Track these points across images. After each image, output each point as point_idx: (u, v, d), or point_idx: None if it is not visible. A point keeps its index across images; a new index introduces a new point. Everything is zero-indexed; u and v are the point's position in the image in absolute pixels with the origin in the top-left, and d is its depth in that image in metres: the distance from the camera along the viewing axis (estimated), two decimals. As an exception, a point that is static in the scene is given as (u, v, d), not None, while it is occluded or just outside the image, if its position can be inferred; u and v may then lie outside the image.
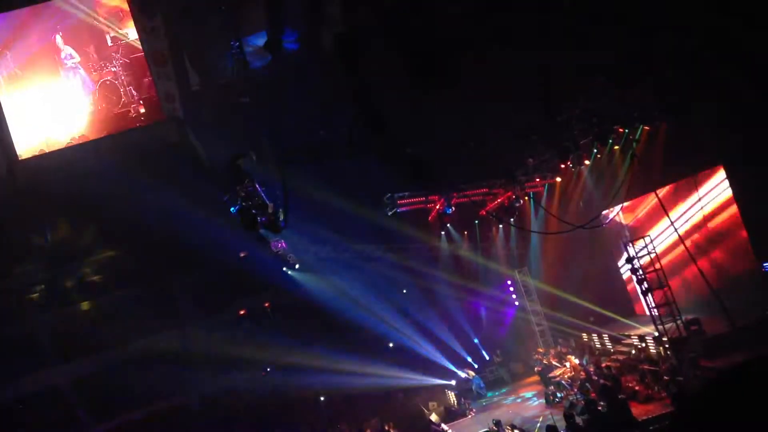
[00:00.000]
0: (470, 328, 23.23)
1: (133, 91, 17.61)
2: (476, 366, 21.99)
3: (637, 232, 18.40)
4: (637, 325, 18.63)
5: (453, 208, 17.58)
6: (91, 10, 17.35)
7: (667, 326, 15.50)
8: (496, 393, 21.41)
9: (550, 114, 14.70)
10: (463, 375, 21.70)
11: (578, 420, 13.13)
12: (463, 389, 21.36)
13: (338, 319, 21.39)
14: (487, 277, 23.57)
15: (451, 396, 20.77)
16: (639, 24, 13.99)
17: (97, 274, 20.43)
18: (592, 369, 16.70)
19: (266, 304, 22.21)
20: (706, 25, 13.40)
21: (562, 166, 18.43)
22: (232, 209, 14.31)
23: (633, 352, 17.19)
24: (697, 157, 15.75)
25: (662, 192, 17.02)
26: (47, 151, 17.25)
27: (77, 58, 17.49)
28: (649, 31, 14.00)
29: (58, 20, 17.25)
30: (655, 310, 15.82)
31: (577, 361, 17.66)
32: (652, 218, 18.31)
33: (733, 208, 15.86)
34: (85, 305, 19.86)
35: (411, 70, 15.79)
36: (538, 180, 19.15)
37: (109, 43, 17.66)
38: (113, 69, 17.58)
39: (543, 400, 17.99)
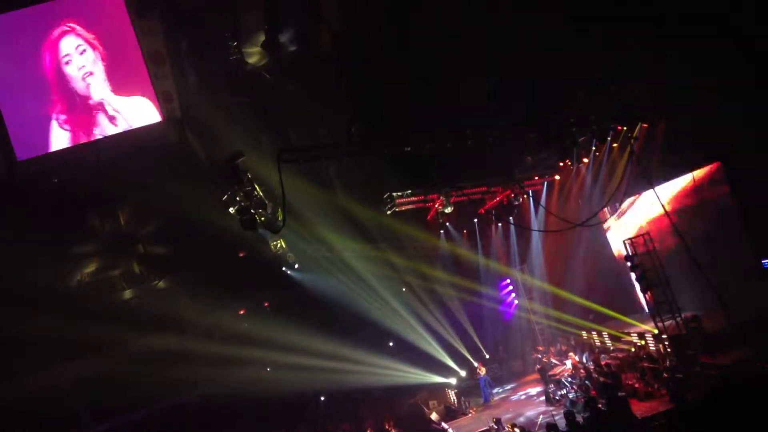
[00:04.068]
0: (470, 326, 23.25)
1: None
2: (474, 364, 21.93)
3: (636, 230, 18.41)
4: (637, 323, 18.64)
5: (452, 207, 17.58)
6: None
7: (666, 323, 15.52)
8: (498, 390, 21.43)
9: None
10: (467, 372, 21.75)
11: (578, 418, 13.15)
12: (464, 388, 21.38)
13: (338, 318, 21.44)
14: (486, 275, 23.60)
15: (452, 394, 20.78)
16: (638, 20, 14.01)
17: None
18: (592, 367, 16.70)
19: (266, 304, 22.28)
20: (705, 21, 13.41)
21: (561, 164, 18.44)
22: (230, 209, 14.32)
23: (633, 349, 17.20)
24: (695, 155, 15.74)
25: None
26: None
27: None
28: (648, 27, 14.01)
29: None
30: (655, 307, 15.84)
31: (577, 359, 17.68)
32: (651, 215, 18.29)
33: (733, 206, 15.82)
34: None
35: (410, 69, 15.84)
36: (536, 178, 19.14)
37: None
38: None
39: (543, 398, 18.02)
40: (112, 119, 17.35)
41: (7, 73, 16.96)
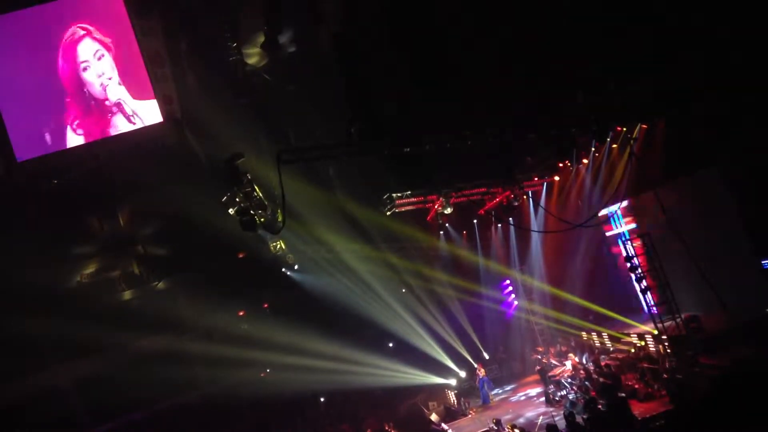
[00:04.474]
0: (470, 327, 23.25)
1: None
2: (474, 365, 21.93)
3: (636, 230, 18.39)
4: (637, 324, 18.63)
5: (451, 208, 17.59)
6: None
7: (666, 324, 15.51)
8: (498, 391, 21.43)
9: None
10: (467, 373, 21.71)
11: (578, 419, 13.15)
12: (464, 389, 21.36)
13: (337, 319, 21.43)
14: (486, 276, 23.60)
15: (451, 395, 20.77)
16: (638, 20, 14.02)
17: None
18: (591, 367, 16.70)
19: (265, 305, 22.27)
20: (705, 21, 13.42)
21: (561, 164, 18.44)
22: (230, 210, 14.30)
23: (632, 350, 17.20)
24: (695, 155, 15.74)
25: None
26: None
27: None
28: (648, 26, 14.02)
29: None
30: (654, 308, 15.82)
31: (576, 360, 17.68)
32: (651, 216, 18.29)
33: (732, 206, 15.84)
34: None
35: (410, 69, 15.85)
36: (536, 179, 19.15)
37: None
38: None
39: (543, 399, 18.01)
40: (129, 118, 17.21)
41: (8, 73, 16.92)
